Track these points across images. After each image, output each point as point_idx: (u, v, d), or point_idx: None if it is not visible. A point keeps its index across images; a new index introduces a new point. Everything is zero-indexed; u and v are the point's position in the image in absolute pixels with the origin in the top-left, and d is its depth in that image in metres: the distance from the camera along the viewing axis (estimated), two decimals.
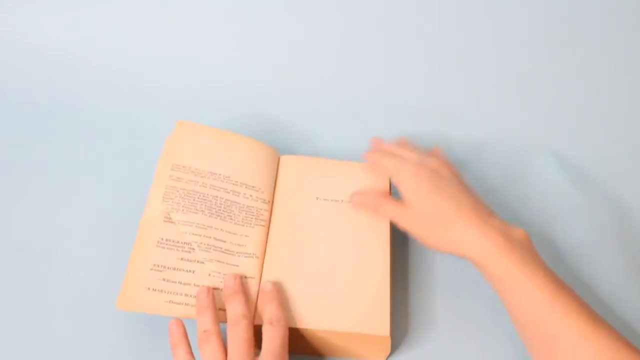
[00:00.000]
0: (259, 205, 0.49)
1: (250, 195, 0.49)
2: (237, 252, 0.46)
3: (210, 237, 0.46)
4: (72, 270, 0.50)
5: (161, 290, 0.43)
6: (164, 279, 0.43)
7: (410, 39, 0.65)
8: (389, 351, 0.45)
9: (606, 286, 0.51)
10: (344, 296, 0.45)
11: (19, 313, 0.48)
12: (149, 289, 0.43)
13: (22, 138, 0.60)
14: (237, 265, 0.46)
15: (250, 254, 0.47)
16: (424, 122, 0.63)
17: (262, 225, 0.49)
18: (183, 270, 0.44)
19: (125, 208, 0.53)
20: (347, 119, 0.64)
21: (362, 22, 0.64)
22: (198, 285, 0.44)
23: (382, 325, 0.43)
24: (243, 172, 0.50)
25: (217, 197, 0.48)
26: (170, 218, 0.46)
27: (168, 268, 0.44)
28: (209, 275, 0.45)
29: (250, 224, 0.48)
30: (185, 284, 0.44)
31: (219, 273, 0.45)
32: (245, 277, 0.45)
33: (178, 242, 0.45)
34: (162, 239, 0.45)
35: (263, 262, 0.47)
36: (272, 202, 0.51)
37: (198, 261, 0.45)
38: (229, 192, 0.49)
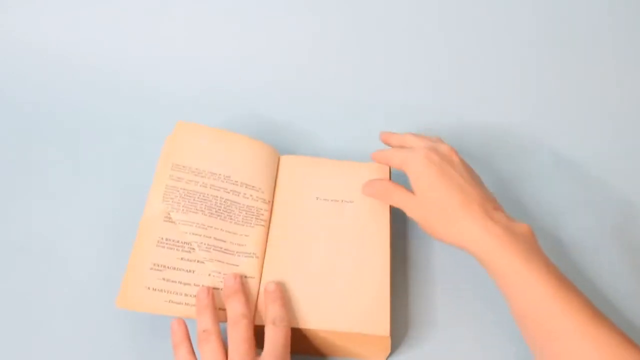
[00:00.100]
0: (259, 205, 0.49)
1: (251, 195, 0.49)
2: (237, 252, 0.46)
3: (210, 237, 0.46)
4: (72, 270, 0.50)
5: (161, 290, 0.43)
6: (163, 279, 0.43)
7: (410, 39, 0.65)
8: (389, 351, 0.45)
9: (610, 282, 0.51)
10: (344, 296, 0.45)
11: (19, 313, 0.48)
12: (148, 288, 0.43)
13: (22, 138, 0.60)
14: (237, 265, 0.46)
15: (250, 253, 0.47)
16: (424, 122, 0.63)
17: (262, 225, 0.49)
18: (183, 269, 0.44)
19: (125, 208, 0.53)
20: (347, 119, 0.64)
21: (362, 22, 0.64)
22: (198, 285, 0.44)
23: (382, 325, 0.43)
24: (243, 172, 0.50)
25: (217, 197, 0.48)
26: (170, 218, 0.46)
27: (168, 267, 0.44)
28: (209, 275, 0.45)
29: (250, 223, 0.48)
30: (185, 283, 0.44)
31: (219, 273, 0.45)
32: (245, 276, 0.45)
33: (178, 241, 0.45)
34: (162, 239, 0.45)
35: (263, 262, 0.47)
36: (272, 202, 0.51)
37: (198, 261, 0.45)
38: (229, 192, 0.49)
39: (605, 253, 0.54)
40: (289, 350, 0.41)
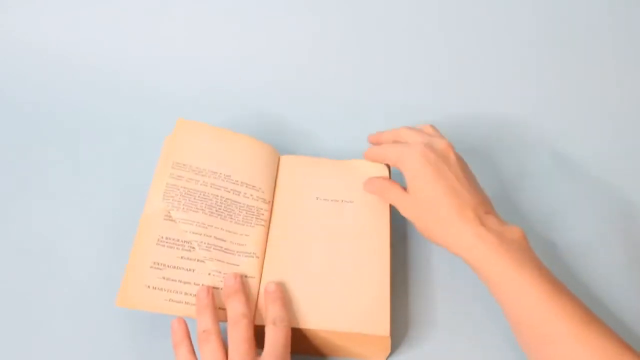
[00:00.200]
0: (259, 204, 0.49)
1: (251, 195, 0.49)
2: (237, 252, 0.46)
3: (210, 236, 0.46)
4: (72, 270, 0.50)
5: (161, 289, 0.43)
6: (163, 277, 0.43)
7: (410, 39, 0.65)
8: (389, 351, 0.45)
9: (604, 286, 0.51)
10: (344, 296, 0.45)
11: (19, 313, 0.48)
12: (148, 287, 0.43)
13: (22, 138, 0.60)
14: (237, 265, 0.46)
15: (250, 253, 0.47)
16: (423, 122, 0.63)
17: (262, 225, 0.49)
18: (183, 268, 0.44)
19: (125, 208, 0.53)
20: (347, 119, 0.64)
21: (362, 22, 0.64)
22: (198, 284, 0.44)
23: (382, 325, 0.43)
24: (244, 172, 0.50)
25: (217, 196, 0.48)
26: (170, 216, 0.46)
27: (168, 266, 0.44)
28: (209, 274, 0.45)
29: (251, 223, 0.48)
30: (185, 282, 0.44)
31: (219, 272, 0.45)
32: (246, 276, 0.45)
33: (178, 240, 0.45)
34: (162, 237, 0.45)
35: (263, 262, 0.47)
36: (272, 201, 0.51)
37: (198, 260, 0.45)
38: (229, 191, 0.49)
39: (601, 256, 0.53)
40: (289, 350, 0.41)
